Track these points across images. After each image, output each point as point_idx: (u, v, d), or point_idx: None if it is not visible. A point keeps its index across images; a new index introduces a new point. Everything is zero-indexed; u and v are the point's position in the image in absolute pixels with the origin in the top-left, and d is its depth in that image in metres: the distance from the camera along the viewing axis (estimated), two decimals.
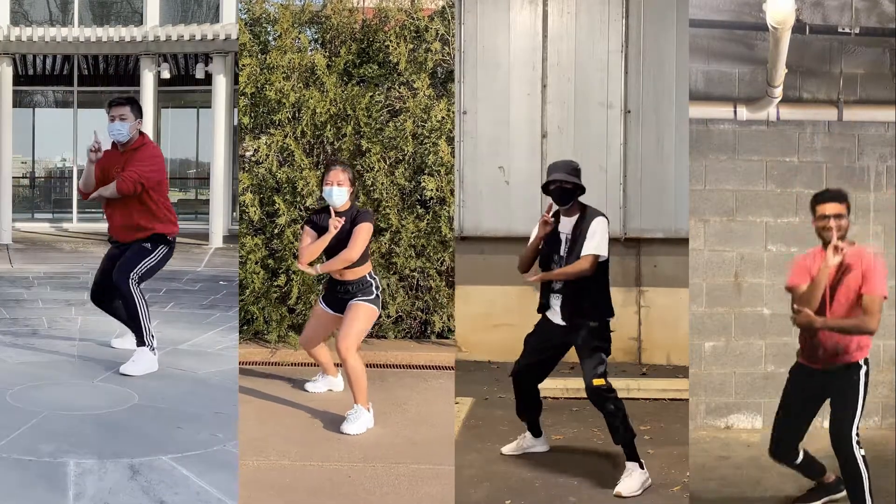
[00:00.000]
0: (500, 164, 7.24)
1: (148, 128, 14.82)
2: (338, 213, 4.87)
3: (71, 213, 17.11)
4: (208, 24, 14.39)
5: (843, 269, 4.09)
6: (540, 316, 4.68)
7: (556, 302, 4.52)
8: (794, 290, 4.19)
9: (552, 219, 4.51)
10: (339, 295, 4.98)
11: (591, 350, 4.38)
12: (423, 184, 6.30)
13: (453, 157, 6.33)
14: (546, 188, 4.55)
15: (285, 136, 6.34)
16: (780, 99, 5.89)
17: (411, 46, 6.49)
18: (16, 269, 10.73)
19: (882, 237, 6.23)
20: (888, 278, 6.17)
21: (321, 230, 4.89)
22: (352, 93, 6.40)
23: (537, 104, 7.21)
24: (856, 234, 6.20)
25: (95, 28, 14.59)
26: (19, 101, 16.28)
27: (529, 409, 4.80)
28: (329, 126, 6.38)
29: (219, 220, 14.34)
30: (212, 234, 14.15)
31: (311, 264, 4.94)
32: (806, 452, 4.40)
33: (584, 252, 4.39)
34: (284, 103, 6.32)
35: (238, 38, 6.52)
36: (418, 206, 6.46)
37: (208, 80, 14.54)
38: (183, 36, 14.24)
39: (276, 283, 6.29)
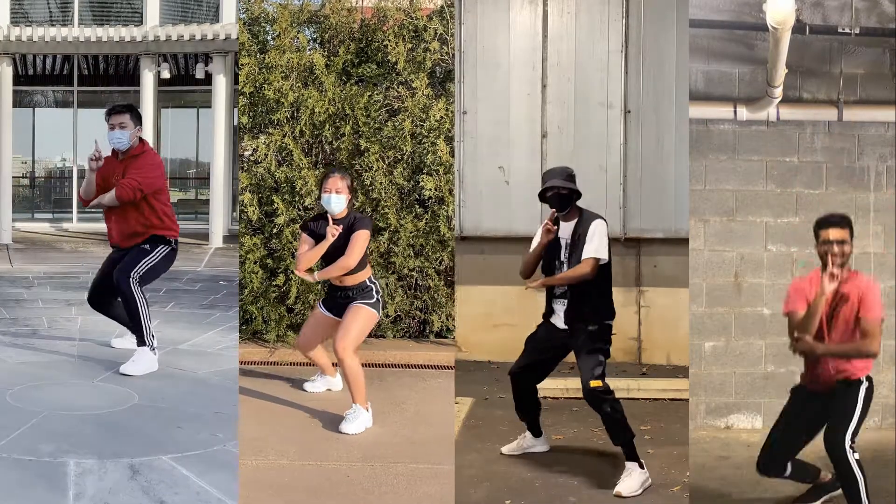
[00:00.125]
0: (500, 164, 7.24)
1: (148, 128, 14.84)
2: (335, 220, 4.87)
3: (71, 213, 17.11)
4: (208, 24, 14.39)
5: (839, 295, 4.10)
6: (541, 318, 4.70)
7: (559, 307, 4.56)
8: (791, 316, 4.20)
9: (555, 226, 4.53)
10: (339, 300, 4.98)
11: (589, 352, 4.39)
12: (421, 183, 6.30)
13: (452, 156, 6.33)
14: (543, 195, 4.58)
15: (284, 136, 6.34)
16: (780, 99, 5.89)
17: (410, 46, 6.49)
18: (16, 269, 10.73)
19: (882, 237, 6.24)
20: (888, 279, 6.22)
21: (318, 237, 4.90)
22: (350, 92, 6.40)
23: (537, 104, 7.21)
24: (856, 233, 6.21)
25: (95, 28, 14.59)
26: (19, 101, 16.28)
27: (528, 410, 4.80)
28: (328, 125, 6.38)
29: (219, 220, 14.34)
30: (212, 234, 14.15)
31: (309, 270, 4.95)
32: (794, 462, 4.39)
33: (584, 256, 4.43)
34: (283, 103, 6.32)
35: (238, 38, 6.53)
36: (417, 206, 6.46)
37: (208, 80, 14.54)
38: (183, 36, 14.24)
39: (274, 283, 6.29)
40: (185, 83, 16.34)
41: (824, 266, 4.11)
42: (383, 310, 6.18)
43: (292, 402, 5.23)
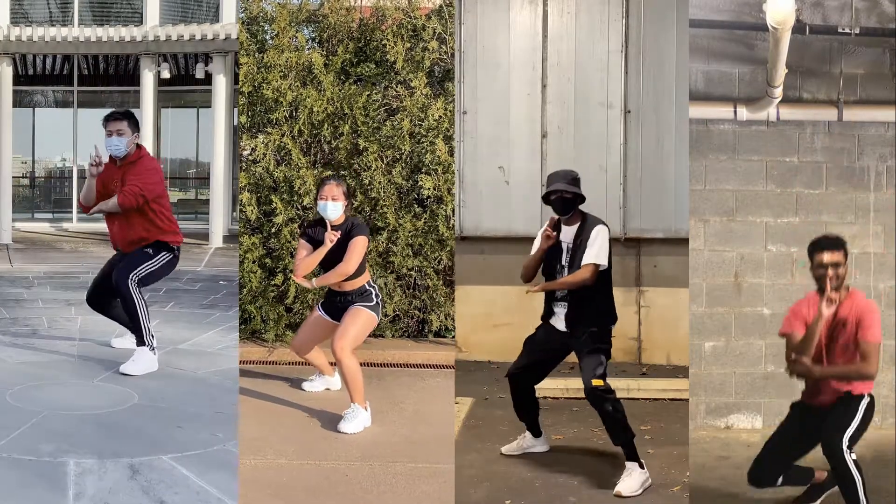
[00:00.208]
0: (500, 164, 7.24)
1: (148, 127, 14.85)
2: (333, 227, 4.87)
3: (71, 212, 17.11)
4: (208, 24, 14.39)
5: (837, 318, 4.10)
6: (540, 319, 4.70)
7: (560, 310, 4.57)
8: (789, 338, 4.20)
9: (555, 232, 4.54)
10: (338, 304, 4.99)
11: (591, 351, 4.40)
12: (420, 183, 6.30)
13: (450, 156, 6.33)
14: (546, 198, 4.58)
15: (282, 135, 6.34)
16: (780, 99, 5.89)
17: (408, 45, 6.49)
18: (16, 269, 10.73)
19: (882, 237, 6.24)
20: (888, 279, 6.21)
21: (316, 243, 4.90)
22: (349, 91, 6.40)
23: (537, 104, 7.21)
24: (856, 233, 6.22)
25: (95, 28, 14.59)
26: (19, 101, 16.28)
27: (527, 410, 4.81)
28: (326, 125, 6.38)
29: (219, 220, 14.35)
30: (212, 233, 14.16)
31: (307, 277, 4.95)
32: (786, 473, 4.39)
33: (584, 261, 4.44)
34: (281, 102, 6.32)
35: (238, 38, 6.53)
36: (415, 205, 6.46)
37: (208, 79, 14.54)
38: (183, 36, 14.24)
39: (273, 283, 6.29)
40: (185, 83, 16.35)
41: (820, 289, 4.11)
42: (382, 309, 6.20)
43: (291, 402, 5.23)
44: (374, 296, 4.98)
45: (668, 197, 7.07)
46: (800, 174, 6.24)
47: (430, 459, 4.30)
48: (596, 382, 4.29)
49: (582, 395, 4.47)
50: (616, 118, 7.13)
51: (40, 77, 17.17)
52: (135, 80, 15.68)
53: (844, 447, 3.96)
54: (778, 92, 5.80)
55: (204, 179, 16.85)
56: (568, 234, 4.56)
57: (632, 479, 4.24)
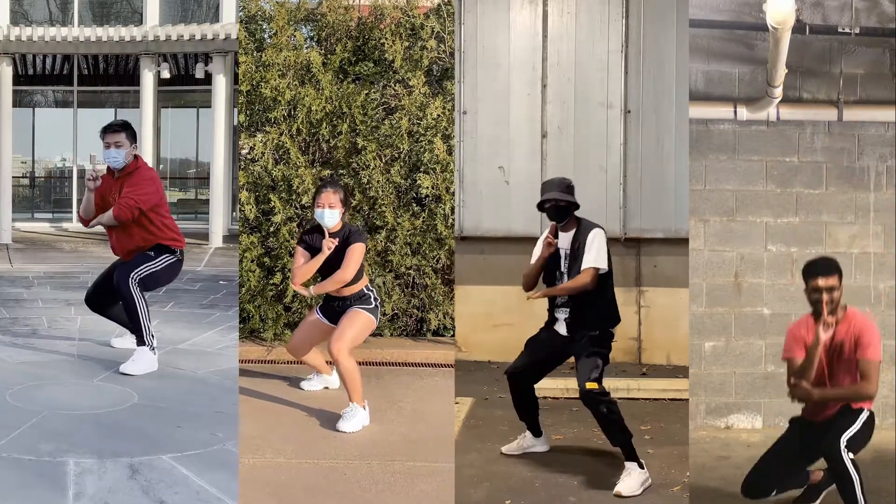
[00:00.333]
0: (500, 164, 7.24)
1: (148, 127, 14.85)
2: (331, 234, 4.87)
3: (71, 212, 17.11)
4: (208, 24, 14.39)
5: (835, 339, 4.09)
6: (544, 323, 4.71)
7: (561, 315, 4.60)
8: (789, 363, 4.20)
9: (555, 239, 4.56)
10: (336, 308, 4.99)
11: (589, 355, 4.42)
12: (418, 182, 6.30)
13: (449, 154, 6.33)
14: (541, 206, 4.59)
15: (281, 134, 6.34)
16: (780, 99, 5.89)
17: (407, 44, 6.49)
18: (16, 269, 10.73)
19: (882, 237, 6.24)
20: (888, 279, 6.21)
21: (314, 250, 4.90)
22: (347, 90, 6.40)
23: (537, 104, 7.21)
24: (856, 233, 6.22)
25: (95, 28, 14.59)
26: (19, 101, 16.29)
27: (527, 409, 4.81)
28: (325, 124, 6.38)
29: (218, 220, 14.35)
30: (211, 233, 14.16)
31: (305, 284, 4.95)
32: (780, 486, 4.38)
33: (583, 266, 4.47)
34: (280, 101, 6.32)
35: (238, 38, 6.53)
36: (414, 204, 6.46)
37: (208, 79, 14.54)
38: (183, 36, 14.24)
39: (272, 282, 6.29)
40: (185, 83, 16.35)
41: (816, 313, 4.11)
42: (381, 307, 6.20)
43: (289, 401, 5.23)
44: (372, 299, 4.98)
45: (668, 197, 7.07)
46: (800, 174, 6.24)
47: (428, 458, 4.30)
48: (590, 385, 4.30)
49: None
50: (616, 118, 7.13)
51: (40, 77, 17.17)
52: (135, 80, 15.68)
53: (842, 446, 3.95)
54: (778, 92, 5.80)
55: (204, 179, 16.86)
56: (564, 240, 4.59)
57: (631, 479, 4.24)
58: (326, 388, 5.46)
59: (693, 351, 6.21)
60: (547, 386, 5.08)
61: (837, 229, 6.25)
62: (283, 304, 6.33)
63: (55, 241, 14.55)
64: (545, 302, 4.70)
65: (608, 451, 4.60)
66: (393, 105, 6.46)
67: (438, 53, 6.54)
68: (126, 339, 5.79)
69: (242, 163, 6.53)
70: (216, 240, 14.01)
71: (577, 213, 4.64)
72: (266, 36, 6.60)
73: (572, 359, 4.55)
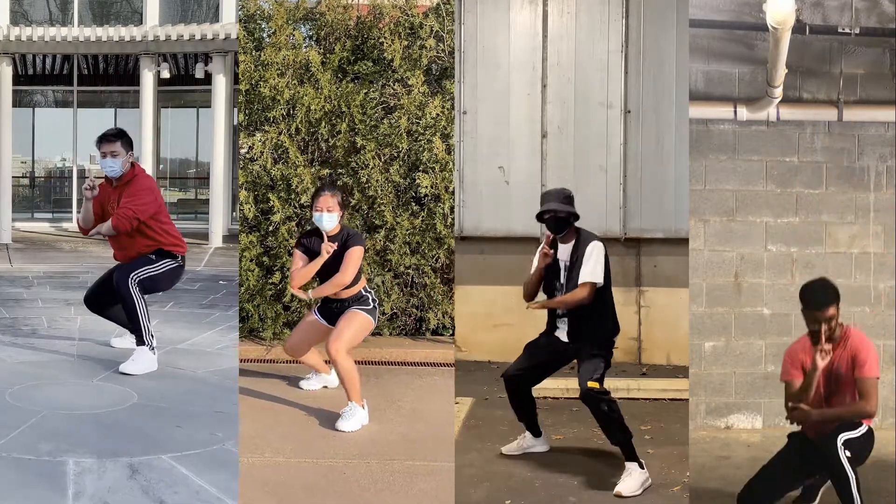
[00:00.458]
0: (500, 164, 7.24)
1: (148, 127, 14.85)
2: (329, 237, 4.86)
3: (71, 212, 17.11)
4: (208, 24, 14.40)
5: (833, 360, 4.06)
6: (543, 322, 4.72)
7: (562, 325, 4.62)
8: (787, 386, 4.18)
9: (552, 250, 4.56)
10: (334, 310, 4.99)
11: (591, 356, 4.43)
12: (417, 181, 6.30)
13: (448, 154, 6.32)
14: (540, 217, 4.60)
15: (280, 134, 6.34)
16: (780, 99, 5.89)
17: (406, 43, 6.48)
18: (15, 269, 10.73)
19: (882, 237, 6.24)
20: (888, 279, 6.21)
21: (312, 253, 4.90)
22: (346, 90, 6.39)
23: (537, 104, 7.21)
24: (856, 233, 6.22)
25: (95, 28, 14.59)
26: (19, 101, 16.29)
27: (525, 410, 4.81)
28: (324, 123, 6.38)
29: (218, 220, 14.35)
30: (211, 233, 14.16)
31: (303, 288, 4.95)
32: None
33: (580, 280, 4.47)
34: (279, 100, 6.32)
35: (238, 38, 6.52)
36: (413, 203, 6.46)
37: (208, 79, 14.55)
38: (183, 36, 14.24)
39: (270, 281, 6.29)
40: (185, 83, 16.35)
41: (813, 336, 4.09)
42: (379, 307, 6.19)
43: (288, 400, 5.23)
44: (370, 300, 4.99)
45: (668, 197, 7.07)
46: (800, 174, 6.23)
47: (427, 457, 4.30)
48: (591, 384, 4.31)
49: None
50: (616, 118, 7.13)
51: (40, 77, 17.17)
52: (135, 79, 15.68)
53: (839, 444, 3.95)
54: (778, 92, 5.80)
55: (204, 179, 16.85)
56: (564, 251, 4.59)
57: (632, 479, 4.23)
58: (325, 387, 5.46)
59: (693, 351, 6.21)
60: (547, 386, 5.08)
61: (837, 229, 6.25)
62: (282, 304, 6.33)
63: (55, 241, 14.55)
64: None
65: (608, 452, 4.60)
66: (392, 104, 6.45)
67: (437, 52, 6.54)
68: (126, 339, 5.79)
69: (242, 162, 6.53)
70: (216, 240, 14.01)
71: (578, 220, 4.63)
72: (265, 35, 6.60)
73: (574, 360, 4.57)
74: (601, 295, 4.52)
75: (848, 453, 3.97)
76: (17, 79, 15.09)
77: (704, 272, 6.23)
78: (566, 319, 4.59)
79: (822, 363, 3.97)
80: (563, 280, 4.58)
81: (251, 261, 6.26)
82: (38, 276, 9.85)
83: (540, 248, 4.62)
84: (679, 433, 5.19)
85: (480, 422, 5.45)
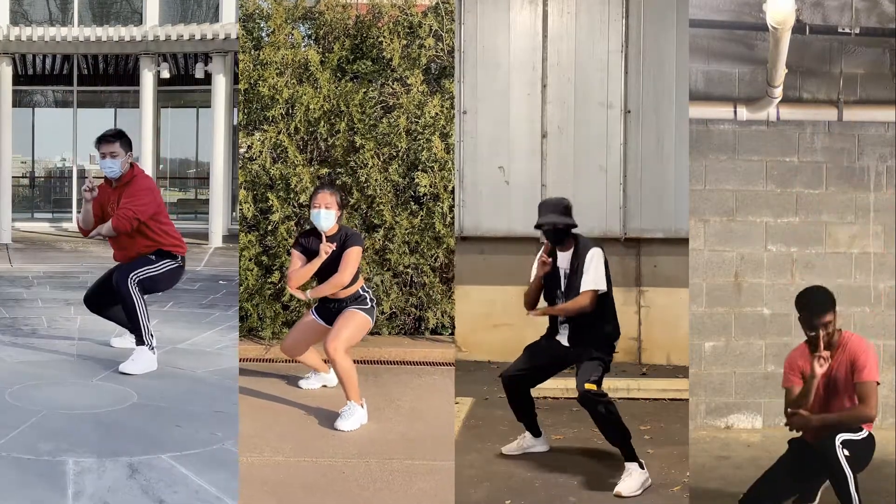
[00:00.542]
0: (500, 164, 7.24)
1: (148, 127, 14.84)
2: (328, 237, 4.86)
3: (70, 212, 17.11)
4: (208, 24, 14.39)
5: (831, 366, 4.06)
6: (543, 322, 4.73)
7: (563, 331, 4.63)
8: (787, 392, 4.18)
9: (549, 259, 4.57)
10: (332, 310, 4.99)
11: (590, 359, 4.44)
12: (416, 180, 6.30)
13: (447, 153, 6.32)
14: (538, 226, 4.59)
15: (279, 133, 6.34)
16: (780, 99, 5.89)
17: (405, 42, 6.48)
18: (15, 269, 10.73)
19: (882, 237, 6.23)
20: (888, 279, 6.21)
21: (310, 253, 4.89)
22: (345, 89, 6.39)
23: (537, 104, 7.20)
24: (856, 233, 6.22)
25: (95, 28, 14.59)
26: (19, 101, 16.29)
27: (524, 411, 4.81)
28: (322, 122, 6.38)
29: (218, 220, 14.35)
30: (211, 233, 14.16)
31: (301, 288, 4.94)
32: None
33: (582, 288, 4.48)
34: (278, 99, 6.31)
35: (238, 38, 6.52)
36: (412, 203, 6.46)
37: (208, 79, 14.54)
38: (183, 36, 14.24)
39: (269, 280, 6.29)
40: (185, 83, 16.35)
41: (810, 343, 4.09)
42: (378, 306, 6.20)
43: (287, 399, 5.22)
44: (368, 299, 4.98)
45: (668, 197, 7.07)
46: (800, 174, 6.23)
47: (427, 456, 4.30)
48: (589, 386, 4.31)
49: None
50: (616, 118, 7.13)
51: (40, 77, 17.17)
52: (134, 79, 15.68)
53: (837, 443, 3.94)
54: (778, 92, 5.80)
55: (204, 179, 16.85)
56: (563, 260, 4.60)
57: (632, 480, 4.23)
58: (324, 386, 5.45)
59: (693, 351, 6.21)
60: (547, 386, 5.08)
61: (837, 229, 6.25)
62: (281, 303, 6.33)
63: (55, 241, 14.55)
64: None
65: (608, 452, 4.59)
66: (391, 103, 6.45)
67: (436, 52, 6.54)
68: (125, 339, 5.79)
69: (241, 161, 6.53)
70: (216, 240, 14.00)
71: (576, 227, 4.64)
72: (264, 34, 6.60)
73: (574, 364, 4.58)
74: (602, 300, 4.53)
75: (846, 452, 3.97)
76: (17, 79, 15.09)
77: (704, 272, 6.23)
78: (567, 326, 4.60)
79: (820, 370, 3.97)
80: (563, 288, 4.59)
81: (250, 260, 6.27)
82: (38, 276, 9.85)
83: (538, 257, 4.63)
84: (679, 433, 5.19)
85: (480, 422, 5.45)
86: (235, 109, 13.60)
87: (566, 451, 4.87)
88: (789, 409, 4.11)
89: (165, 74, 15.06)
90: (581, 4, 7.19)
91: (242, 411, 4.73)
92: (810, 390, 4.01)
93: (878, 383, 4.04)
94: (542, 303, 4.71)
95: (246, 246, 6.27)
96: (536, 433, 4.85)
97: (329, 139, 6.43)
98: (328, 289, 4.87)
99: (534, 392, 4.83)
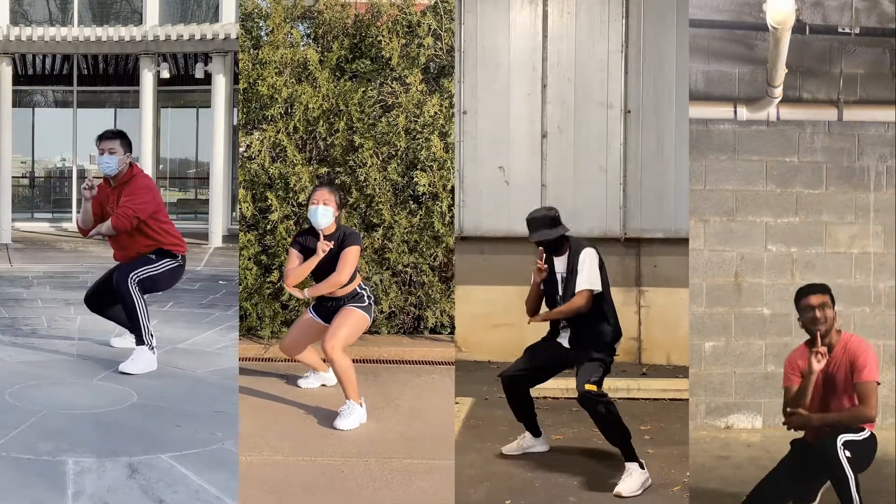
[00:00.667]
0: (500, 164, 7.24)
1: (147, 127, 14.84)
2: (326, 236, 4.85)
3: (70, 212, 17.11)
4: (208, 24, 14.39)
5: (830, 365, 4.06)
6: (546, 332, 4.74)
7: (564, 334, 4.65)
8: (786, 392, 4.17)
9: (545, 265, 4.59)
10: (329, 307, 4.99)
11: (591, 360, 4.45)
12: (415, 179, 6.30)
13: (446, 152, 6.32)
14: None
15: (277, 132, 6.34)
16: (780, 99, 5.89)
17: (404, 41, 6.48)
18: (15, 269, 10.73)
19: (882, 237, 6.23)
20: (888, 279, 6.21)
21: (308, 251, 4.88)
22: (344, 88, 6.39)
23: (537, 104, 7.20)
24: (856, 233, 6.22)
25: (95, 28, 14.59)
26: (19, 101, 16.28)
27: (524, 411, 4.81)
28: (321, 121, 6.37)
29: (218, 220, 14.35)
30: (211, 233, 14.16)
31: (298, 286, 4.94)
32: None
33: (577, 289, 4.50)
34: (277, 99, 6.32)
35: (238, 38, 6.52)
36: (411, 202, 6.46)
37: (208, 79, 14.54)
38: (182, 36, 14.24)
39: (269, 280, 6.28)
40: (185, 83, 16.35)
41: (812, 339, 4.09)
42: (377, 305, 6.20)
43: (287, 399, 5.22)
44: (365, 297, 4.98)
45: (668, 197, 7.07)
46: (800, 174, 6.23)
47: (426, 456, 4.30)
48: (589, 387, 4.32)
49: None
50: (616, 118, 7.12)
51: (40, 77, 17.17)
52: (134, 79, 15.68)
53: (839, 444, 3.94)
54: (778, 92, 5.80)
55: (203, 179, 16.85)
56: (560, 264, 4.62)
57: (632, 480, 4.23)
58: (323, 385, 5.45)
59: (693, 351, 6.21)
60: (547, 386, 5.07)
61: (837, 229, 6.25)
62: (280, 302, 6.33)
63: (55, 241, 14.55)
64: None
65: (608, 452, 4.59)
66: (390, 102, 6.45)
67: (435, 51, 6.54)
68: (125, 339, 5.79)
69: (240, 161, 6.53)
70: (216, 240, 14.01)
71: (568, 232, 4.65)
72: (263, 33, 6.60)
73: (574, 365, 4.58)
74: (600, 300, 4.53)
75: (847, 453, 3.96)
76: (17, 79, 15.09)
77: (704, 272, 6.23)
78: (567, 329, 4.62)
79: (817, 366, 3.97)
80: (561, 292, 4.60)
81: (249, 259, 6.27)
82: (38, 276, 9.84)
83: (535, 265, 4.64)
84: (679, 433, 5.19)
85: (480, 422, 5.45)
86: (235, 109, 13.60)
87: (566, 451, 4.87)
88: (788, 409, 4.11)
89: (165, 74, 15.06)
90: (581, 4, 7.19)
91: (242, 411, 4.73)
92: (807, 387, 4.00)
93: (878, 383, 4.04)
94: (545, 308, 4.72)
95: (245, 245, 6.28)
96: (536, 433, 4.85)
97: (328, 138, 6.43)
98: (326, 287, 4.87)
99: (534, 392, 4.83)
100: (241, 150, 6.58)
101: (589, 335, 4.53)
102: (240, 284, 6.30)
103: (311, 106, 6.32)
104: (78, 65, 16.90)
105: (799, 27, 5.70)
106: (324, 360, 5.29)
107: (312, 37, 6.76)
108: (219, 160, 14.31)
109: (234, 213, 15.44)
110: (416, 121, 6.32)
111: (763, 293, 6.23)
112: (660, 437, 5.07)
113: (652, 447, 4.81)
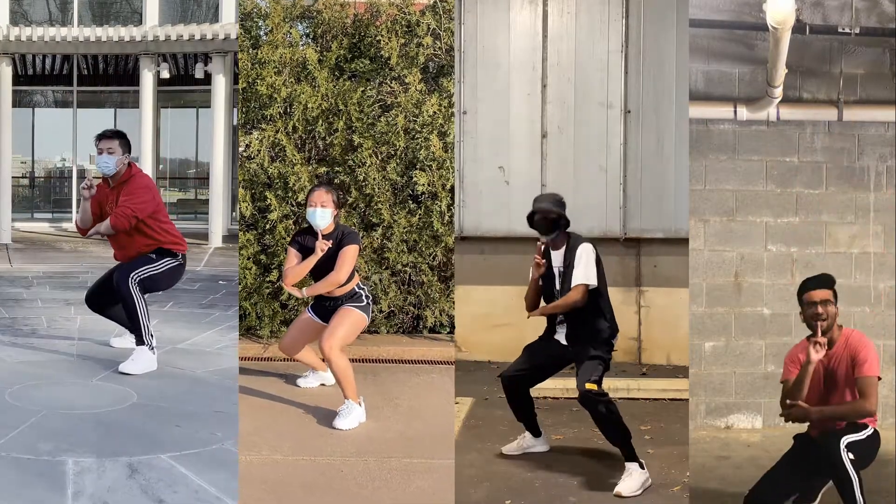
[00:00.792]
0: (500, 164, 7.24)
1: (147, 127, 14.85)
2: (324, 236, 4.86)
3: (70, 212, 17.11)
4: (208, 24, 14.39)
5: (831, 359, 4.05)
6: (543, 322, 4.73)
7: (561, 330, 4.64)
8: (784, 385, 4.17)
9: (543, 260, 4.59)
10: (328, 307, 4.99)
11: (590, 358, 4.44)
12: (414, 179, 6.30)
13: (445, 152, 6.32)
14: (531, 219, 4.61)
15: (277, 132, 6.34)
16: (780, 99, 5.89)
17: (403, 41, 6.48)
18: (15, 269, 10.73)
19: (882, 237, 6.23)
20: (888, 279, 6.21)
21: (306, 251, 4.88)
22: (343, 87, 6.40)
23: (537, 104, 7.20)
24: (856, 233, 6.22)
25: (95, 28, 14.59)
26: (19, 101, 16.29)
27: (523, 411, 4.81)
28: (321, 121, 6.38)
29: (218, 220, 14.35)
30: (211, 233, 14.16)
31: (297, 285, 4.94)
32: None
33: (573, 283, 4.50)
34: (276, 98, 6.32)
35: (238, 38, 6.52)
36: (410, 202, 6.46)
37: (208, 79, 14.55)
38: (182, 36, 14.24)
39: (268, 279, 6.28)
40: (185, 83, 16.36)
41: (813, 333, 4.09)
42: (376, 305, 6.20)
43: (286, 398, 5.22)
44: (363, 297, 4.98)
45: (668, 197, 7.07)
46: (800, 174, 6.23)
47: (425, 455, 4.30)
48: (589, 386, 4.31)
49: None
50: (616, 118, 7.12)
51: (40, 77, 17.17)
52: (134, 80, 15.68)
53: (842, 446, 3.94)
54: (778, 92, 5.80)
55: (203, 179, 16.86)
56: (557, 258, 4.62)
57: (632, 480, 4.23)
58: (323, 384, 5.45)
59: (693, 351, 6.21)
60: (547, 386, 5.08)
61: (837, 229, 6.25)
62: (279, 302, 6.33)
63: (55, 241, 14.55)
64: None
65: (608, 452, 4.59)
66: (389, 102, 6.45)
67: (434, 50, 6.54)
68: (125, 339, 5.79)
69: (240, 160, 6.53)
70: (216, 240, 14.01)
71: (569, 226, 4.64)
72: (262, 33, 6.60)
73: (573, 363, 4.58)
74: (596, 296, 4.53)
75: (851, 455, 3.96)
76: (17, 79, 15.09)
77: (704, 272, 6.23)
78: (564, 325, 4.61)
79: (815, 355, 3.96)
80: (558, 287, 4.60)
81: (248, 259, 6.27)
82: (38, 276, 9.84)
83: (533, 260, 4.64)
84: (679, 433, 5.19)
85: (480, 422, 5.45)
86: (235, 109, 13.60)
87: (566, 451, 4.87)
88: (787, 401, 4.10)
89: (165, 74, 15.07)
90: (581, 4, 7.19)
91: (241, 410, 4.73)
92: (805, 378, 3.98)
93: (878, 378, 4.04)
94: (543, 304, 4.72)
95: (244, 245, 6.28)
96: (536, 433, 4.85)
97: (327, 138, 6.43)
98: (324, 287, 4.87)
99: (534, 392, 4.83)
100: (241, 149, 6.58)
101: (586, 331, 4.53)
102: (239, 284, 6.30)
103: (310, 105, 6.32)
104: (78, 65, 16.91)
105: (799, 27, 5.70)
106: (322, 360, 5.30)
107: (311, 36, 6.76)
108: (219, 160, 14.32)
109: (233, 213, 15.45)
110: (416, 120, 6.32)
111: (763, 293, 6.23)
112: (660, 437, 5.07)
113: (652, 447, 4.81)
